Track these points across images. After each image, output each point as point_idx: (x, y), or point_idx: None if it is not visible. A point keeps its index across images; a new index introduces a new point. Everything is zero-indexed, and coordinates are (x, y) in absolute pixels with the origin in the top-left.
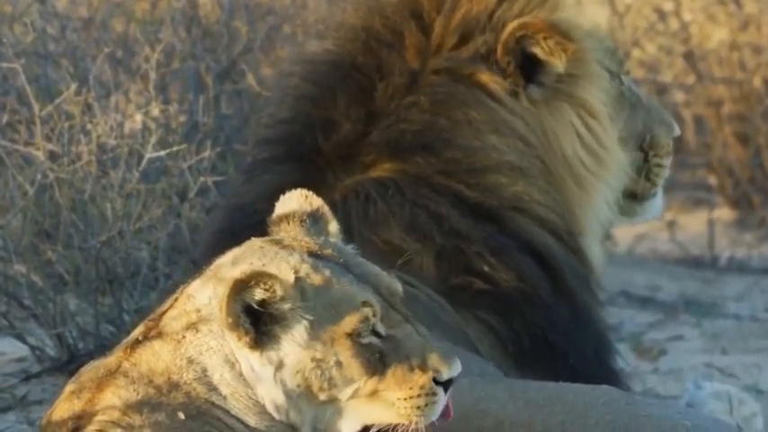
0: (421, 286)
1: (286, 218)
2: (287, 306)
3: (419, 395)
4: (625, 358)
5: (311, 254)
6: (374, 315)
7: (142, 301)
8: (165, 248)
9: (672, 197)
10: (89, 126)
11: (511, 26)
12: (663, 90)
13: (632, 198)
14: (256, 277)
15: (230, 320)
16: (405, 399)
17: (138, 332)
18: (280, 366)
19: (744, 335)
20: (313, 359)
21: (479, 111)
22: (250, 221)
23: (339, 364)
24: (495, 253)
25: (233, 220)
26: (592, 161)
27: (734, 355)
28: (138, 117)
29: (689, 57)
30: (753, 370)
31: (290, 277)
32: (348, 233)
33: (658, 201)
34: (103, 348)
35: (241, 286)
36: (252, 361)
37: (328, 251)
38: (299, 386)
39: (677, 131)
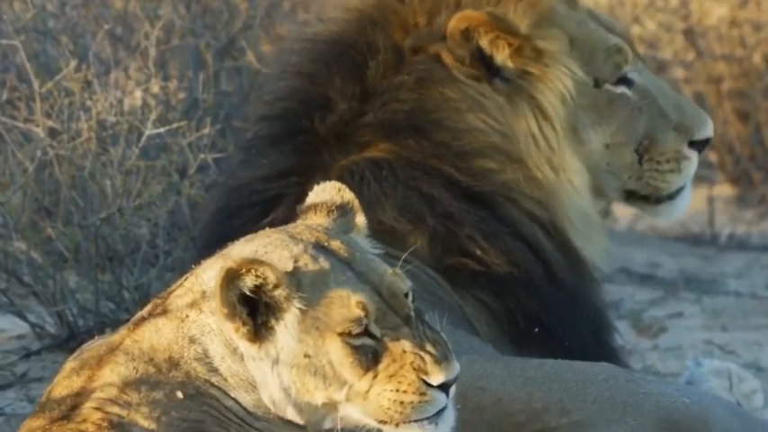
0: (420, 265)
1: (315, 207)
2: (280, 294)
3: (405, 391)
4: (625, 335)
5: (317, 245)
6: (367, 316)
7: (142, 278)
8: (165, 225)
9: None
10: (89, 103)
11: (453, 19)
12: (663, 67)
13: (643, 199)
14: (248, 265)
15: (226, 311)
16: (393, 393)
17: (145, 310)
18: (276, 360)
19: (744, 312)
20: (306, 355)
21: (453, 89)
22: (247, 202)
23: (331, 362)
24: (487, 237)
25: (230, 201)
26: (546, 166)
27: (734, 332)
28: (138, 94)
29: (689, 33)
30: (753, 347)
31: (286, 266)
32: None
33: (677, 203)
34: (103, 325)
35: (233, 274)
36: (251, 352)
37: (336, 244)
38: (294, 383)
39: (700, 135)
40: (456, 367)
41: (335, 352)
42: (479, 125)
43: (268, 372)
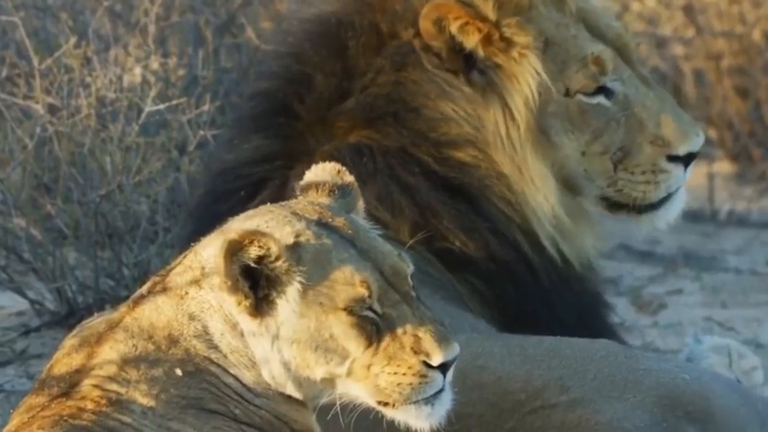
0: (413, 245)
1: (316, 186)
2: (282, 266)
3: (404, 374)
4: (624, 312)
5: (320, 222)
6: (369, 295)
7: (141, 254)
8: (165, 202)
9: None
10: (88, 79)
11: (423, 10)
12: (662, 43)
13: (624, 208)
14: (250, 236)
15: (229, 283)
16: (392, 376)
17: (144, 288)
18: (277, 335)
19: (743, 288)
20: (308, 329)
21: (423, 78)
22: (232, 186)
23: (333, 336)
24: (466, 230)
25: (216, 185)
26: (511, 166)
27: (733, 308)
28: (138, 70)
29: (688, 10)
30: (752, 324)
31: (288, 239)
32: None
33: (662, 213)
34: (103, 302)
35: (236, 246)
36: (252, 327)
37: (339, 222)
38: (295, 358)
39: (683, 150)
40: (456, 348)
41: (339, 325)
42: (453, 115)
43: (268, 347)
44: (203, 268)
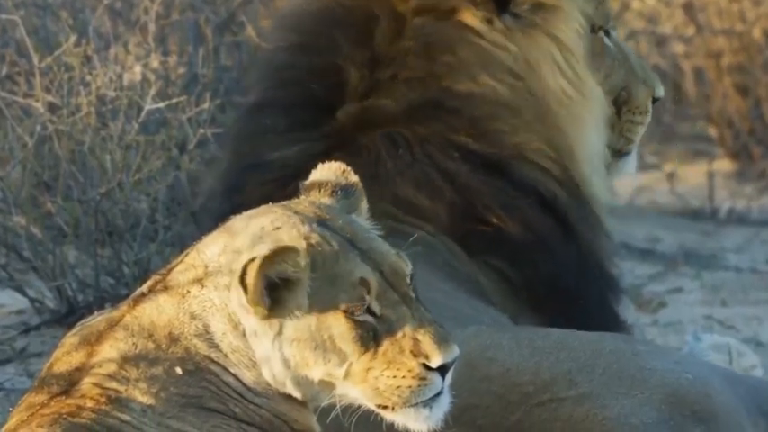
0: (438, 235)
1: (319, 185)
2: (300, 275)
3: (404, 377)
4: (624, 311)
5: (321, 222)
6: (369, 293)
7: (141, 252)
8: (165, 200)
9: (671, 149)
10: (88, 78)
11: None
12: (662, 41)
13: (614, 154)
14: (282, 253)
15: (255, 298)
16: (391, 379)
17: (145, 286)
18: (279, 333)
19: (743, 287)
20: (309, 329)
21: (465, 49)
22: (265, 179)
23: (332, 338)
24: (504, 207)
25: (243, 180)
26: (574, 92)
27: (733, 307)
28: (138, 69)
29: (688, 8)
30: (752, 322)
31: (299, 244)
32: None
33: (632, 159)
34: (103, 300)
35: (268, 265)
36: (256, 327)
37: (338, 222)
38: (294, 356)
39: (660, 93)
40: (455, 350)
41: (338, 327)
42: (492, 83)
43: (269, 345)
44: (206, 267)
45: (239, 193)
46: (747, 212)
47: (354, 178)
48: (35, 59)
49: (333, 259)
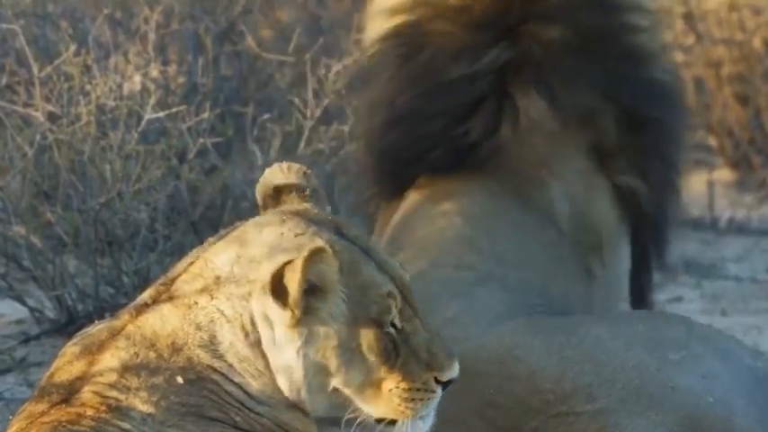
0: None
1: (288, 188)
2: (334, 280)
3: (419, 389)
4: None
5: (338, 232)
6: (395, 307)
7: (141, 262)
8: (165, 210)
9: None
10: (88, 87)
11: None
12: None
13: None
14: (322, 256)
15: (296, 301)
16: (406, 392)
17: (147, 295)
18: (307, 340)
19: (744, 296)
20: (338, 338)
21: None
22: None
23: (360, 348)
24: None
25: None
26: None
27: (734, 316)
28: (137, 78)
29: (688, 17)
30: (752, 331)
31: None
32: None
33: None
34: (102, 310)
35: (311, 267)
36: (281, 333)
37: (353, 232)
38: (317, 364)
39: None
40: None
41: (368, 337)
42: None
43: (293, 355)
44: (218, 277)
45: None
46: (747, 222)
47: (316, 182)
48: (35, 69)
49: (357, 269)
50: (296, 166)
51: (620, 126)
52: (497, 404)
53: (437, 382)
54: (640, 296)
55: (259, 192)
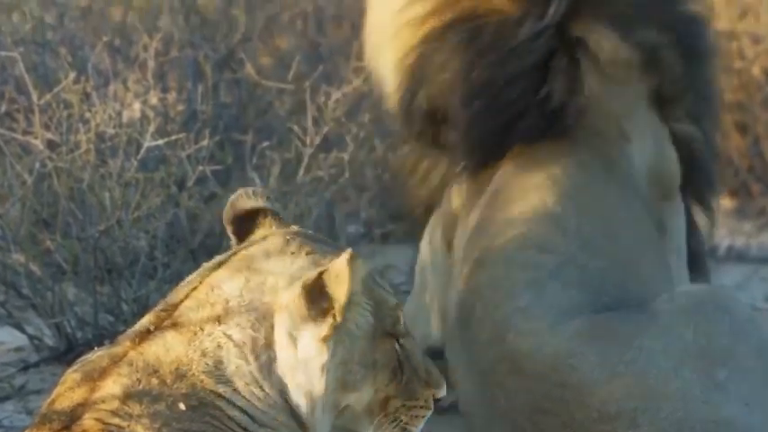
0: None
1: (262, 212)
2: (360, 291)
3: (422, 407)
4: None
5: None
6: (402, 321)
7: (141, 290)
8: (164, 237)
9: None
10: (87, 115)
11: None
12: None
13: None
14: (356, 261)
15: (342, 307)
16: (411, 410)
17: (147, 322)
18: (333, 354)
19: None
20: (360, 351)
21: None
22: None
23: (375, 363)
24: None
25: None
26: None
27: None
28: (137, 106)
29: None
30: None
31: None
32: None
33: None
34: (102, 338)
35: (355, 274)
36: (308, 348)
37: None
38: (338, 380)
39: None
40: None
41: (384, 352)
42: None
43: (317, 372)
44: (227, 302)
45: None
46: (746, 250)
47: (278, 205)
48: (34, 96)
49: (369, 282)
50: (259, 190)
51: (682, 62)
52: (545, 410)
53: (433, 399)
54: (696, 253)
55: (229, 218)
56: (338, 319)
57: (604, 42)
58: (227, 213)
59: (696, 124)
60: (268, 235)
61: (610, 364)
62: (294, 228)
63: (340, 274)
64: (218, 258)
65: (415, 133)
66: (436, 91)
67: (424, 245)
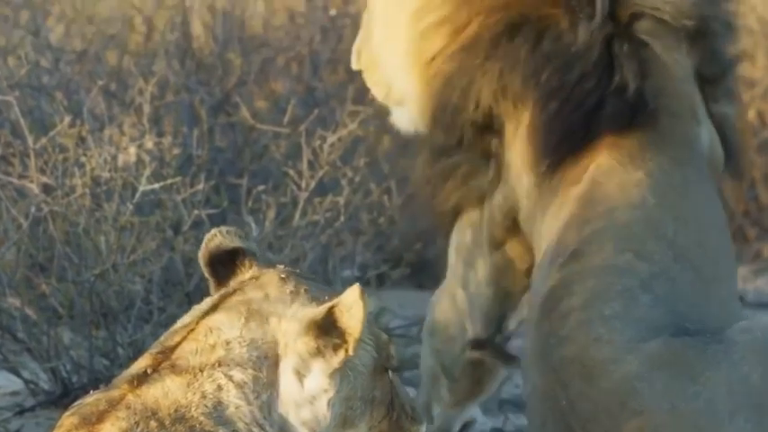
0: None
1: (241, 252)
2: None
3: None
4: None
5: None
6: (394, 356)
7: (136, 334)
8: (159, 282)
9: None
10: (83, 159)
11: None
12: None
13: None
14: (364, 296)
15: (356, 339)
16: None
17: (143, 365)
18: (339, 389)
19: None
20: (363, 386)
21: None
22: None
23: (374, 398)
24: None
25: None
26: None
27: None
28: (132, 150)
29: None
30: None
31: None
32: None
33: None
34: (97, 382)
35: (366, 307)
36: (315, 383)
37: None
38: (340, 415)
39: None
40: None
41: (382, 386)
42: None
43: (323, 406)
44: (228, 343)
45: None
46: (743, 294)
47: (253, 243)
48: (30, 140)
49: (369, 319)
50: (233, 229)
51: (726, 33)
52: (599, 422)
53: None
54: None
55: (206, 259)
56: (350, 352)
57: (662, 4)
58: (202, 254)
59: (731, 106)
60: (260, 274)
61: (672, 395)
62: (281, 267)
63: (353, 307)
64: (210, 300)
65: (456, 140)
66: (490, 98)
67: (461, 240)
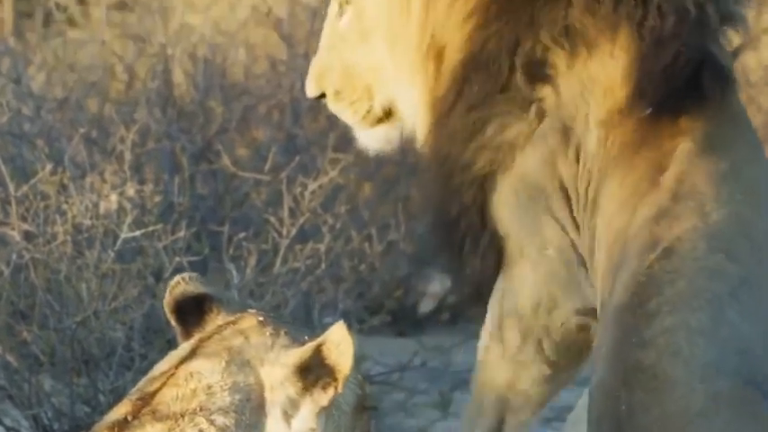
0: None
1: (208, 298)
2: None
3: None
4: None
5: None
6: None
7: (117, 381)
8: (141, 329)
9: None
10: (64, 206)
11: None
12: None
13: None
14: (350, 332)
15: (346, 376)
16: None
17: (123, 412)
18: (325, 429)
19: None
20: (345, 426)
21: None
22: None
23: None
24: None
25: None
26: None
27: None
28: (114, 197)
29: None
30: None
31: None
32: None
33: None
34: (78, 429)
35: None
36: (302, 423)
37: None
38: None
39: None
40: None
41: (361, 428)
42: None
43: None
44: (209, 387)
45: None
46: None
47: (216, 288)
48: (11, 188)
49: None
50: (196, 275)
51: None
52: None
53: None
54: None
55: (171, 306)
56: (340, 389)
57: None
58: (167, 302)
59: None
60: (238, 318)
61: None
62: (252, 311)
63: (342, 343)
64: (187, 345)
65: (500, 87)
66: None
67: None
